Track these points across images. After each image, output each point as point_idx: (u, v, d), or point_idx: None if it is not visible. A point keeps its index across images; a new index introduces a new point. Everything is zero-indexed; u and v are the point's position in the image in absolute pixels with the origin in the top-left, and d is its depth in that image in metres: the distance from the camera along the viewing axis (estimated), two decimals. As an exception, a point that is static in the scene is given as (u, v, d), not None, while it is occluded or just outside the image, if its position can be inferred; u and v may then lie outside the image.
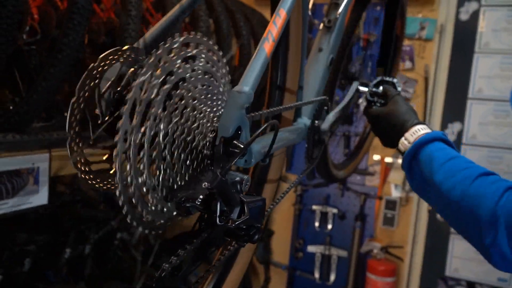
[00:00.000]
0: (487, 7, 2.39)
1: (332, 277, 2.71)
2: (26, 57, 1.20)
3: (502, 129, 2.32)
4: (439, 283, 2.46)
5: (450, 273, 2.45)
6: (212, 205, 0.47)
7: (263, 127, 0.53)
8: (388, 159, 2.59)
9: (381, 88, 1.08)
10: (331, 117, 0.94)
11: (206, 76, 0.54)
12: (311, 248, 2.75)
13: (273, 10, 0.80)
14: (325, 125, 0.90)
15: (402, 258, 2.58)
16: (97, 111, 0.50)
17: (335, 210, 2.72)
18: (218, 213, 0.47)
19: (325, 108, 0.88)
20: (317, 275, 2.74)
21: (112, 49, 0.51)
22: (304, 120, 0.86)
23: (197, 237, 0.49)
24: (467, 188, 0.73)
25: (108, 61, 0.51)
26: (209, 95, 0.54)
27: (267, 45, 0.55)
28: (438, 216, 2.47)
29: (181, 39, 0.50)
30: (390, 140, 0.97)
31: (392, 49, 1.50)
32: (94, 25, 1.39)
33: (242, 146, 0.49)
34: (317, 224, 2.75)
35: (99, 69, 0.50)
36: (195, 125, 0.52)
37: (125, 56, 0.53)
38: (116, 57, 0.52)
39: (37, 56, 1.25)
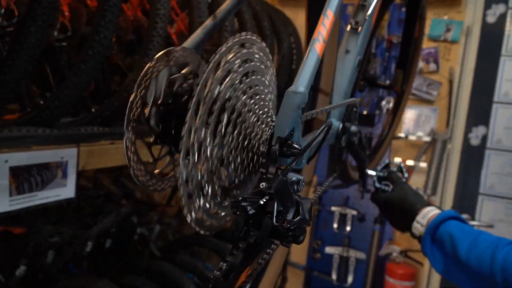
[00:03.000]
0: (515, 10, 2.35)
1: (350, 279, 2.69)
2: (57, 54, 1.23)
3: (529, 134, 2.26)
4: (459, 288, 2.42)
5: (470, 279, 2.41)
6: (268, 206, 0.47)
7: (320, 130, 0.53)
8: (410, 162, 2.56)
9: (386, 173, 1.12)
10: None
11: (263, 78, 0.54)
12: (329, 249, 2.74)
13: (309, 9, 0.81)
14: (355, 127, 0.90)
15: (421, 262, 2.54)
16: (147, 111, 0.50)
17: (354, 212, 2.71)
18: (275, 214, 0.46)
19: (354, 109, 0.87)
20: (334, 276, 2.72)
21: (166, 50, 0.52)
22: (334, 122, 0.86)
23: (244, 240, 0.48)
24: (495, 256, 0.76)
25: (163, 62, 0.52)
26: (264, 97, 0.55)
27: (318, 46, 0.55)
28: (460, 221, 2.44)
29: (260, 42, 0.50)
30: (401, 224, 1.01)
31: (411, 51, 1.49)
32: (122, 23, 1.42)
33: (297, 147, 0.49)
34: (335, 225, 2.74)
35: (155, 70, 0.51)
36: (260, 112, 0.51)
37: (176, 57, 0.53)
38: (169, 58, 0.53)
39: (66, 53, 1.28)
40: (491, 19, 2.39)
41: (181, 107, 0.50)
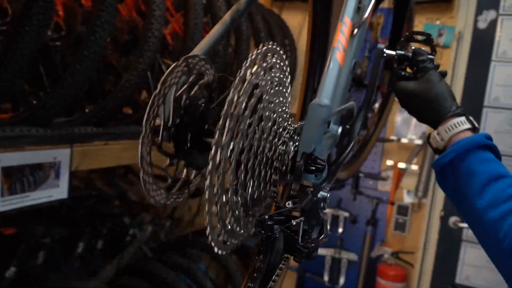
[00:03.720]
0: (505, 16, 2.37)
1: (342, 280, 2.70)
2: (51, 53, 1.22)
3: (518, 139, 2.29)
4: (449, 290, 2.44)
5: (461, 281, 2.43)
6: (293, 225, 0.45)
7: (351, 146, 0.51)
8: (401, 165, 2.58)
9: (410, 51, 0.87)
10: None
11: (284, 90, 0.52)
12: (321, 251, 2.75)
13: (314, 12, 0.80)
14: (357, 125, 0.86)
15: (412, 264, 2.56)
16: (159, 120, 0.48)
17: (346, 214, 2.72)
18: (301, 233, 0.45)
19: (351, 113, 0.87)
20: (326, 278, 2.73)
21: (183, 58, 0.50)
22: (333, 126, 0.85)
23: (262, 260, 0.46)
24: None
25: (182, 68, 0.50)
26: (286, 109, 0.53)
27: (338, 55, 0.53)
28: (450, 223, 2.46)
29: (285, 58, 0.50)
30: (425, 121, 0.85)
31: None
32: (117, 23, 1.41)
33: (322, 163, 0.46)
34: (328, 227, 2.74)
35: (175, 75, 0.49)
36: (280, 129, 0.49)
37: (192, 64, 0.52)
38: (188, 64, 0.51)
39: (61, 52, 1.27)
40: (482, 25, 2.42)
41: (196, 117, 0.49)
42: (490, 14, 2.40)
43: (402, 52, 0.86)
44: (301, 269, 2.86)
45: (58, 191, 1.23)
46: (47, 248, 1.69)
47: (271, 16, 2.27)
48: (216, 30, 0.58)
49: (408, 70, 0.89)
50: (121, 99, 1.22)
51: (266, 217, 0.45)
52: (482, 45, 2.41)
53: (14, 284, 1.55)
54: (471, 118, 0.78)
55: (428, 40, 0.87)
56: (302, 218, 0.45)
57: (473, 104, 2.41)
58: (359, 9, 0.94)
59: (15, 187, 1.11)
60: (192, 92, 0.51)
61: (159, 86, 0.46)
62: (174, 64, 0.48)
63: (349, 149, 0.52)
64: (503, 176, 0.69)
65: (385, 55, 0.86)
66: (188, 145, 0.49)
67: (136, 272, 1.88)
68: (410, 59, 0.86)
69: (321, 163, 0.46)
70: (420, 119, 0.86)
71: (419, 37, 0.88)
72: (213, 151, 0.40)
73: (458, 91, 2.44)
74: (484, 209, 0.68)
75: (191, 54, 0.52)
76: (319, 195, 0.47)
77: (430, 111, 0.81)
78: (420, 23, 2.51)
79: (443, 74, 0.87)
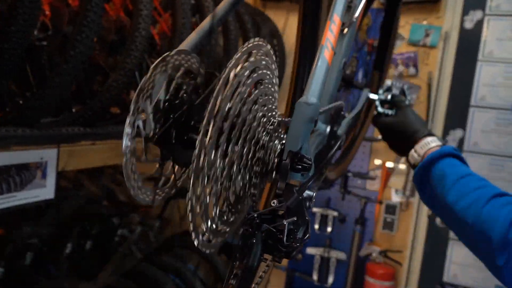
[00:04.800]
0: (491, 16, 2.40)
1: (331, 279, 2.72)
2: (38, 53, 1.21)
3: (505, 138, 2.33)
4: (437, 288, 2.46)
5: (448, 279, 2.46)
6: (280, 224, 0.44)
7: (337, 146, 0.51)
8: (389, 164, 2.60)
9: (389, 96, 1.11)
10: (344, 124, 0.87)
11: (270, 86, 0.51)
12: (310, 250, 2.76)
13: (305, 11, 0.81)
14: (341, 131, 0.88)
15: (400, 262, 2.59)
16: (144, 116, 0.46)
17: (335, 213, 2.73)
18: (286, 233, 0.44)
19: (341, 113, 0.87)
20: (315, 277, 2.74)
21: (166, 54, 0.49)
22: (321, 125, 0.86)
23: (240, 263, 0.45)
24: (480, 211, 0.73)
25: (164, 66, 0.49)
26: (272, 106, 0.52)
27: (327, 53, 0.53)
28: (438, 221, 2.49)
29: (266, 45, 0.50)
30: (401, 149, 1.01)
31: (388, 53, 1.51)
32: (105, 23, 1.41)
33: (308, 162, 0.46)
34: (317, 226, 2.76)
35: (155, 75, 0.48)
36: (269, 126, 0.48)
37: (176, 60, 0.51)
38: (169, 62, 0.50)
39: (47, 52, 1.26)
40: (468, 25, 2.45)
41: (181, 112, 0.48)
42: (476, 14, 2.43)
43: (383, 97, 1.11)
44: (290, 269, 2.88)
45: (45, 191, 1.23)
46: (35, 248, 1.67)
47: (259, 15, 2.28)
48: (203, 27, 0.57)
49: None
50: (108, 99, 1.22)
51: (255, 215, 0.44)
52: (469, 45, 2.44)
53: (2, 285, 1.54)
54: (440, 137, 0.94)
55: (403, 91, 1.15)
56: (294, 218, 0.44)
57: (460, 103, 2.44)
58: (349, 8, 0.95)
59: (1, 187, 1.10)
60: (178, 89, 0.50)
61: (154, 67, 0.45)
62: (159, 59, 0.47)
63: (335, 148, 0.52)
64: (468, 175, 0.81)
65: (370, 98, 1.11)
66: (173, 140, 0.48)
67: (125, 273, 1.88)
68: (389, 102, 1.11)
69: (308, 162, 0.46)
70: (397, 146, 1.05)
71: (397, 89, 1.15)
72: (197, 151, 0.39)
73: (444, 91, 2.47)
74: (454, 202, 0.78)
75: (177, 49, 0.51)
76: (304, 194, 0.47)
77: (406, 137, 0.97)
78: (407, 23, 2.54)
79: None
